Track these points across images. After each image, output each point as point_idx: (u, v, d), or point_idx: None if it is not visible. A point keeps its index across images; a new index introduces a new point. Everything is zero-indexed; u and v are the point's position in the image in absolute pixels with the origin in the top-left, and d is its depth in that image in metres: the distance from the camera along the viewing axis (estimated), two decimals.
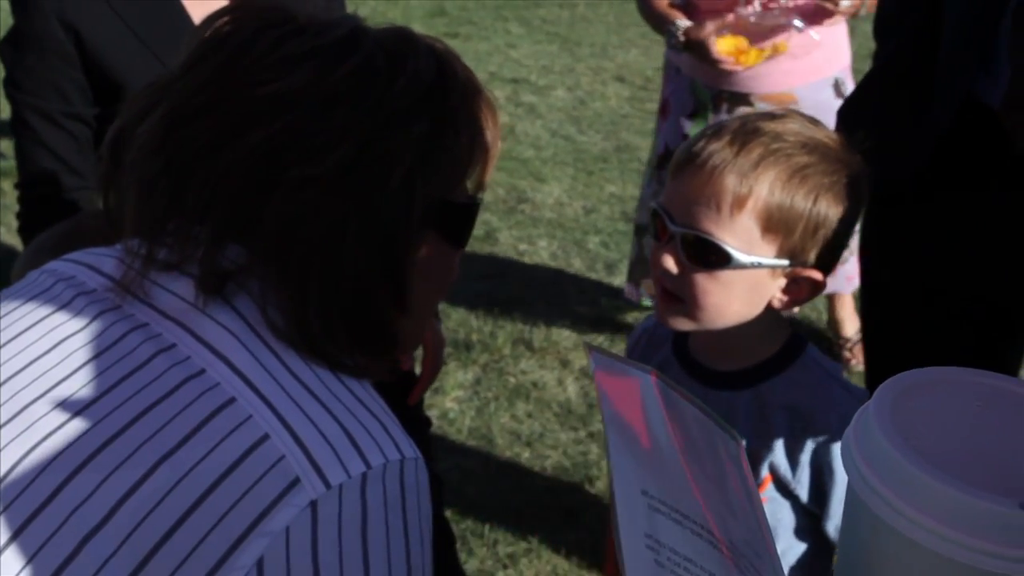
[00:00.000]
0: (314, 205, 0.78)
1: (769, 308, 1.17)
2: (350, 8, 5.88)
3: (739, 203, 1.09)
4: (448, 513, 2.43)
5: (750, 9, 2.48)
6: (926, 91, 1.46)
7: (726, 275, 1.11)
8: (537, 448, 2.72)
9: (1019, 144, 1.35)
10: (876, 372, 1.77)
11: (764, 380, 1.18)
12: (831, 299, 3.06)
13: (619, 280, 3.50)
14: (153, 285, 0.80)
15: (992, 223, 1.46)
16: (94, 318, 0.81)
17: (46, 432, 0.74)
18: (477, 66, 5.80)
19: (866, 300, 1.78)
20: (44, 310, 0.82)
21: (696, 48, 2.49)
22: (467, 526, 2.43)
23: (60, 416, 0.75)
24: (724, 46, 2.46)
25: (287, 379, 0.77)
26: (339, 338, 0.81)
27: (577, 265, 3.68)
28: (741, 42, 2.47)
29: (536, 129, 4.92)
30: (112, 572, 0.70)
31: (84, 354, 0.79)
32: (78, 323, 0.81)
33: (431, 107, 0.83)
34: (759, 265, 1.11)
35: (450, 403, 2.89)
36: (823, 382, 1.17)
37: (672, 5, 2.61)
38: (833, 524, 1.20)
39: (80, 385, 0.77)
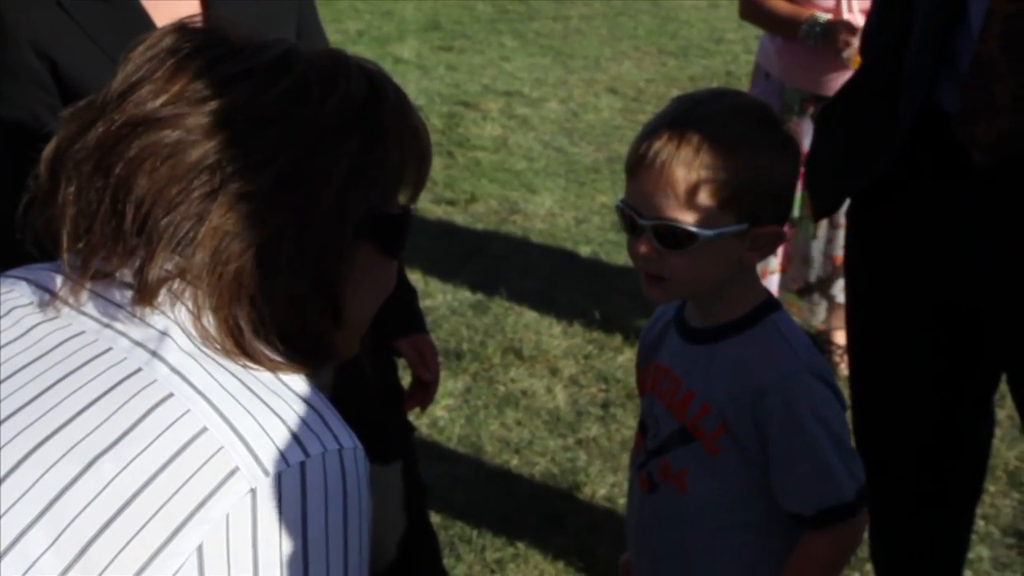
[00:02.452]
0: (248, 219, 0.81)
1: (743, 271, 1.32)
2: (344, 24, 5.89)
3: (692, 188, 1.23)
4: (437, 519, 2.47)
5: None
6: (895, 101, 1.51)
7: (696, 250, 1.24)
8: (526, 455, 2.75)
9: (974, 155, 1.40)
10: (859, 377, 1.81)
11: (729, 336, 1.32)
12: (830, 309, 3.09)
13: (609, 290, 3.54)
14: (90, 294, 0.83)
15: (956, 227, 1.50)
16: (30, 329, 0.83)
17: None
18: (471, 79, 5.86)
19: (849, 307, 1.82)
20: None
21: (835, 36, 2.60)
22: (455, 532, 2.46)
23: None
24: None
25: (224, 376, 0.80)
26: (273, 346, 0.84)
27: (568, 275, 3.71)
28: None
29: (529, 141, 4.97)
30: (50, 561, 0.73)
31: (20, 361, 0.81)
32: (14, 333, 0.84)
33: (363, 125, 0.86)
34: (722, 235, 1.24)
35: (440, 411, 2.93)
36: (774, 342, 1.30)
37: None
38: (774, 481, 1.30)
39: (15, 389, 0.79)
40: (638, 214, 1.26)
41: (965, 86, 1.38)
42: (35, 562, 0.73)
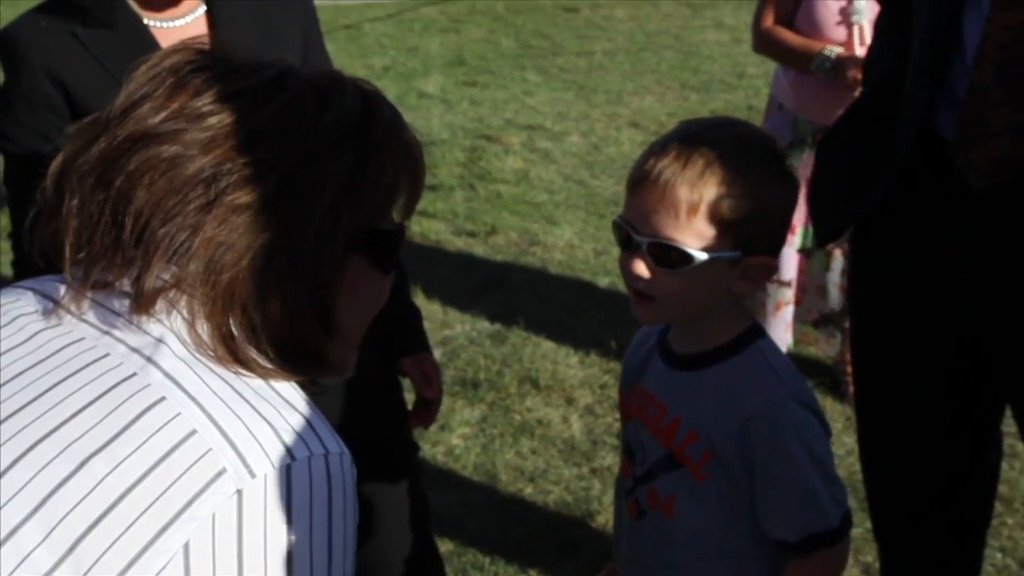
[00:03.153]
0: (242, 232, 0.85)
1: (730, 298, 1.31)
2: (369, 59, 5.98)
3: (693, 209, 1.23)
4: (450, 545, 2.49)
5: None
6: (894, 127, 1.53)
7: (689, 272, 1.25)
8: (540, 483, 2.76)
9: (970, 180, 1.41)
10: (863, 402, 1.81)
11: (716, 363, 1.32)
12: (844, 341, 3.10)
13: (626, 321, 3.55)
14: (91, 303, 0.87)
15: (955, 251, 1.51)
16: (33, 335, 0.87)
17: None
18: (494, 113, 5.93)
19: (852, 331, 1.83)
20: None
21: (844, 70, 2.65)
22: (468, 559, 2.47)
23: None
24: None
25: (215, 381, 0.83)
26: (266, 352, 0.87)
27: (586, 306, 3.73)
28: None
29: (550, 174, 5.01)
30: (42, 556, 0.76)
31: (21, 365, 0.85)
32: (17, 339, 0.87)
33: (356, 143, 0.90)
34: (716, 260, 1.25)
35: (456, 439, 2.95)
36: (760, 369, 1.31)
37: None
38: (759, 507, 1.30)
39: (16, 391, 0.83)
40: (635, 230, 1.27)
41: (961, 113, 1.40)
42: (28, 555, 0.76)
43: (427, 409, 1.72)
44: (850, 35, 2.73)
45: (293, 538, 0.80)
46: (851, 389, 3.04)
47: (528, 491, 2.74)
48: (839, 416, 2.98)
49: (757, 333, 1.35)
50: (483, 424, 3.03)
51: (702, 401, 1.32)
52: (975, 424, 1.69)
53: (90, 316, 0.87)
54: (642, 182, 1.26)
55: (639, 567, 1.45)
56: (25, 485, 0.78)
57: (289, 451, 0.81)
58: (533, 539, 2.54)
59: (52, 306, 0.88)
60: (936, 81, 1.44)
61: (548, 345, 3.45)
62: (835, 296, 3.00)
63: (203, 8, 1.55)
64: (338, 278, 0.90)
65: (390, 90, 6.38)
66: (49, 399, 0.82)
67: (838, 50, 2.71)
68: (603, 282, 3.91)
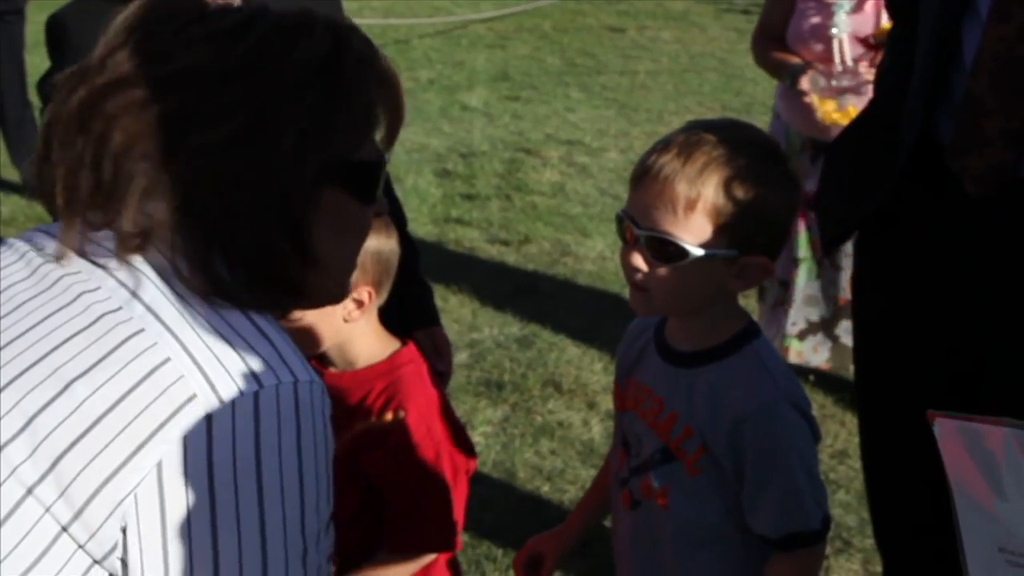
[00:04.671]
0: (213, 167, 0.91)
1: (726, 297, 1.35)
2: (416, 72, 6.08)
3: (690, 205, 1.26)
4: (465, 537, 2.55)
5: (844, 80, 2.81)
6: (896, 134, 1.59)
7: (685, 267, 1.28)
8: (557, 482, 2.82)
9: (966, 185, 1.46)
10: (865, 405, 1.85)
11: (712, 361, 1.35)
12: (834, 348, 3.19)
13: None
14: (86, 241, 0.94)
15: (954, 255, 1.55)
16: (35, 270, 0.96)
17: None
18: (534, 127, 6.02)
19: (856, 334, 1.87)
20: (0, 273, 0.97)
21: (797, 79, 2.83)
22: (482, 551, 2.54)
23: None
24: (823, 106, 2.83)
25: (191, 314, 0.90)
26: (244, 283, 0.93)
27: (613, 315, 3.79)
28: (830, 104, 2.84)
29: (586, 188, 5.08)
30: (27, 470, 0.84)
31: (22, 297, 0.93)
32: (21, 274, 0.96)
33: (325, 77, 0.94)
34: (713, 256, 1.28)
35: (477, 437, 3.02)
36: (755, 370, 1.33)
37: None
38: (746, 503, 1.33)
39: (17, 320, 0.91)
40: (635, 224, 1.30)
41: (957, 120, 1.45)
42: (15, 470, 0.84)
43: (438, 381, 1.79)
44: (830, 48, 2.84)
45: (263, 460, 0.86)
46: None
47: (545, 489, 2.80)
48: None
49: (753, 333, 1.37)
50: (505, 424, 3.10)
51: (696, 398, 1.35)
52: None
53: (86, 252, 0.94)
54: (643, 177, 1.30)
55: (633, 556, 1.49)
56: (15, 405, 0.86)
57: (257, 379, 0.87)
58: None
59: (56, 245, 0.95)
60: (936, 89, 1.49)
61: (573, 351, 3.51)
62: (822, 305, 3.11)
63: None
64: (312, 210, 0.95)
65: (434, 101, 6.51)
66: (44, 327, 0.90)
67: (799, 67, 2.84)
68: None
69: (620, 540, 1.53)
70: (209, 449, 0.85)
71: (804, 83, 2.79)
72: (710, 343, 1.36)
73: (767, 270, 1.34)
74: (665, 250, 1.28)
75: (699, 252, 1.27)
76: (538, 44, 8.02)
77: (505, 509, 2.71)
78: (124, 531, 0.85)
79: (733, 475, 1.34)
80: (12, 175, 5.13)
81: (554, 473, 2.86)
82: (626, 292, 4.13)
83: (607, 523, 2.64)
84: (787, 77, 2.87)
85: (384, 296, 1.55)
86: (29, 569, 0.84)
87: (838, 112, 2.82)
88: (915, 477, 1.78)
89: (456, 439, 1.60)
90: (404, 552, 1.56)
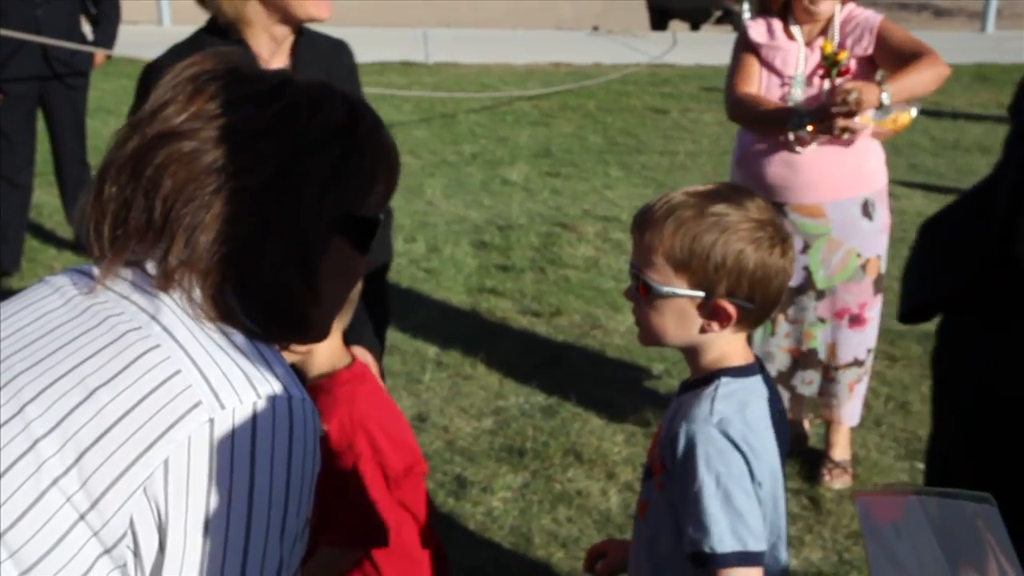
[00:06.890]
0: (242, 210, 1.05)
1: (719, 335, 1.48)
2: (460, 146, 6.30)
3: (653, 250, 1.46)
4: None
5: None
6: (990, 222, 1.65)
7: (658, 303, 1.47)
8: (572, 550, 2.86)
9: None
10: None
11: (689, 391, 1.52)
12: (792, 399, 3.28)
13: None
14: (121, 275, 1.08)
15: None
16: (68, 300, 1.09)
17: (22, 368, 1.03)
18: (572, 203, 6.14)
19: (936, 408, 1.89)
20: (38, 304, 1.11)
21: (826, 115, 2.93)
22: None
23: (32, 358, 1.04)
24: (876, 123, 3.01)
25: (202, 336, 1.03)
26: (254, 312, 1.07)
27: (638, 390, 3.85)
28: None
29: (620, 263, 5.16)
30: (55, 463, 0.97)
31: (56, 323, 1.07)
32: (55, 304, 1.10)
33: (342, 140, 1.10)
34: (675, 294, 1.45)
35: (496, 502, 3.07)
36: (703, 396, 1.47)
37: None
38: (685, 530, 1.44)
39: (54, 339, 1.05)
40: (632, 264, 1.51)
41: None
42: (44, 462, 0.98)
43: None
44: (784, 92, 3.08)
45: (256, 464, 0.99)
46: (822, 470, 3.24)
47: (559, 556, 2.84)
48: None
49: (730, 372, 1.49)
50: (524, 490, 3.15)
51: (667, 422, 1.52)
52: None
53: (118, 285, 1.08)
54: (634, 229, 1.51)
55: (630, 566, 1.63)
56: (49, 408, 1.00)
57: (256, 391, 1.01)
58: None
59: (90, 280, 1.10)
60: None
61: (596, 422, 3.57)
62: (782, 359, 3.22)
63: (289, 62, 1.99)
64: (323, 254, 1.10)
65: (476, 175, 6.67)
66: (73, 345, 1.04)
67: (807, 109, 2.98)
68: (658, 368, 4.02)
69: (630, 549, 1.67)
70: (211, 451, 0.98)
71: (858, 118, 2.88)
72: (697, 376, 1.53)
73: (728, 316, 1.45)
74: (642, 287, 1.48)
75: (663, 289, 1.45)
76: (582, 123, 8.19)
77: (518, 573, 2.76)
78: (132, 521, 0.97)
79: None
80: (67, 232, 5.34)
81: (569, 540, 2.90)
82: (653, 367, 4.22)
83: None
84: (799, 116, 2.98)
85: (346, 321, 1.84)
86: (49, 551, 0.97)
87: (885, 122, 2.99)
88: None
89: (392, 449, 1.83)
90: (338, 546, 1.83)
